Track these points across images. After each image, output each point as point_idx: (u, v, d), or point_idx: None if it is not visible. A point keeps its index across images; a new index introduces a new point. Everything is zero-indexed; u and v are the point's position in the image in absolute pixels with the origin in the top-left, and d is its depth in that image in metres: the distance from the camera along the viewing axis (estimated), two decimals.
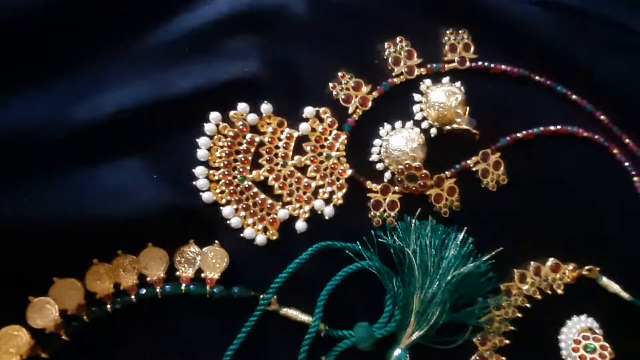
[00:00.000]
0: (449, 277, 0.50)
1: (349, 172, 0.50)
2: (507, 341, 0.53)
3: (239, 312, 0.48)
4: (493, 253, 0.51)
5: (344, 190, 0.50)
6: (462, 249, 0.51)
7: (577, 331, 0.54)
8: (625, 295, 0.55)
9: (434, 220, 0.51)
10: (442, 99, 0.52)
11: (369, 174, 0.52)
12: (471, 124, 0.51)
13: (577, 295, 0.55)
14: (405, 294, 0.50)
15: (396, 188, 0.51)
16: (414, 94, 0.53)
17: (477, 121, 0.53)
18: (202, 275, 0.48)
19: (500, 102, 0.55)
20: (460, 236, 0.51)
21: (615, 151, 0.57)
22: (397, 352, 0.49)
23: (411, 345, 0.49)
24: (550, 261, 0.55)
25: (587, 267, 0.55)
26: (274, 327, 0.49)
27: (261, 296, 0.48)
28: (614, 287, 0.55)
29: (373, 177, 0.52)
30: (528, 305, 0.54)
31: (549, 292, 0.54)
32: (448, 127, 0.51)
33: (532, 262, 0.54)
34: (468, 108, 0.52)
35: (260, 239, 0.49)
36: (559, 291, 0.54)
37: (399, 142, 0.51)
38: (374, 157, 0.52)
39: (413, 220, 0.51)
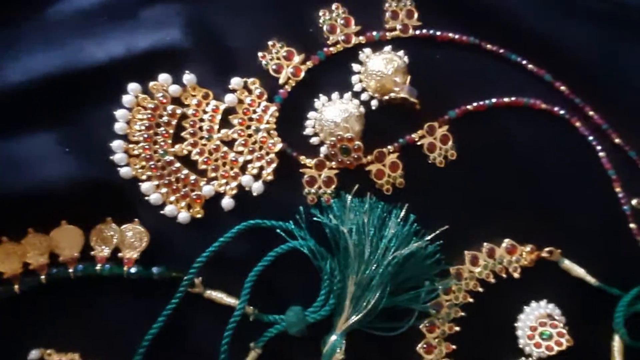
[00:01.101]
0: (389, 259, 0.47)
1: (279, 146, 0.48)
2: (457, 328, 0.50)
3: (161, 295, 0.46)
4: (437, 232, 0.48)
5: (274, 165, 0.48)
6: (404, 228, 0.48)
7: (535, 318, 0.50)
8: (591, 279, 0.52)
9: (373, 198, 0.48)
10: (381, 67, 0.49)
11: (304, 148, 0.49)
12: (411, 93, 0.48)
13: (536, 279, 0.52)
14: (342, 276, 0.47)
15: (333, 164, 0.49)
16: (353, 64, 0.51)
17: (423, 92, 0.50)
18: (120, 254, 0.46)
19: (448, 72, 0.52)
20: (401, 214, 0.48)
21: (578, 124, 0.53)
22: (333, 338, 0.47)
23: (348, 331, 0.46)
24: (506, 242, 0.51)
25: (547, 249, 0.52)
26: (198, 310, 0.47)
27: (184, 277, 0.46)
28: (578, 270, 0.52)
29: (308, 152, 0.49)
30: (481, 289, 0.50)
31: (504, 275, 0.51)
32: (386, 97, 0.48)
33: (485, 244, 0.51)
34: (409, 77, 0.49)
35: (183, 216, 0.47)
36: (516, 275, 0.51)
37: (333, 113, 0.48)
38: (308, 131, 0.49)
39: (349, 197, 0.48)
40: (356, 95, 0.50)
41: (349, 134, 0.47)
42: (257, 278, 0.47)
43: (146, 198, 0.47)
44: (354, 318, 0.47)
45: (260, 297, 0.47)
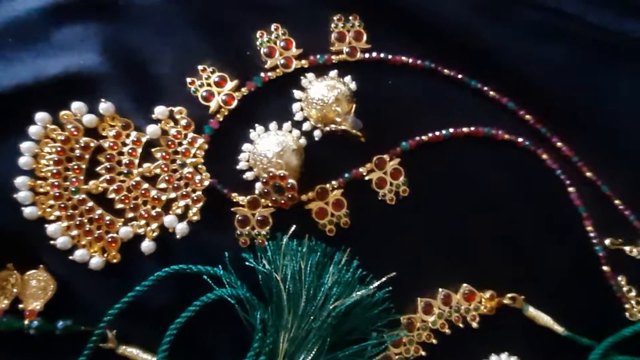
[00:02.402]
0: (329, 309, 0.42)
1: (207, 182, 0.43)
2: None
3: (67, 352, 0.41)
4: (384, 279, 0.43)
5: (201, 204, 0.43)
6: (347, 274, 0.43)
7: None
8: (558, 329, 0.48)
9: (313, 240, 0.44)
10: (322, 95, 0.45)
11: (236, 184, 0.45)
12: (354, 124, 0.44)
13: (496, 329, 0.48)
14: (274, 330, 0.42)
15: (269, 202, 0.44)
16: (294, 91, 0.47)
17: (372, 121, 0.47)
18: (20, 306, 0.41)
19: (401, 100, 0.49)
20: (344, 258, 0.43)
21: (544, 156, 0.49)
22: None
23: None
24: (464, 288, 0.47)
25: (509, 295, 0.48)
26: None
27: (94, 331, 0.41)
28: (544, 319, 0.48)
29: (241, 189, 0.45)
30: (435, 341, 0.46)
31: (462, 325, 0.46)
32: (327, 129, 0.44)
33: (440, 289, 0.47)
34: (354, 106, 0.45)
35: (96, 262, 0.42)
36: (474, 324, 0.47)
37: (267, 146, 0.44)
38: (242, 165, 0.45)
39: (285, 239, 0.43)
40: (297, 125, 0.46)
41: (282, 171, 0.43)
42: (180, 331, 0.42)
43: (53, 242, 0.42)
44: None
45: (184, 353, 0.43)
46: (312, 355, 0.42)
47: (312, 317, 0.43)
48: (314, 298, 0.43)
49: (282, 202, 0.43)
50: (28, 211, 0.42)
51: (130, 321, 0.43)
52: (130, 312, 0.42)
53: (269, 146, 0.44)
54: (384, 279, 0.44)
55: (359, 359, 0.44)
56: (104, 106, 0.43)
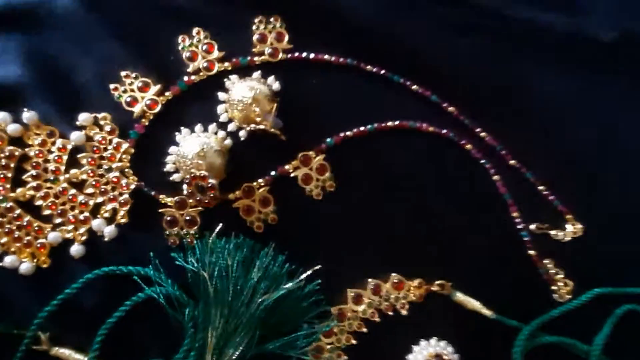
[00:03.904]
0: (257, 303, 0.44)
1: (134, 185, 0.45)
2: None
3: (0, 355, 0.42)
4: (310, 271, 0.45)
5: (128, 207, 0.45)
6: (274, 268, 0.45)
7: (424, 358, 0.47)
8: (487, 312, 0.49)
9: (240, 237, 0.45)
10: (242, 96, 0.47)
11: (164, 186, 0.47)
12: (274, 123, 0.45)
13: (426, 315, 0.50)
14: (203, 326, 0.44)
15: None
16: (219, 93, 0.48)
17: (297, 119, 0.49)
18: None
19: (325, 97, 0.51)
20: (269, 253, 0.45)
21: (469, 147, 0.51)
22: None
23: None
24: (392, 277, 0.49)
25: (437, 282, 0.49)
26: None
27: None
28: (473, 303, 0.50)
29: (168, 191, 0.47)
30: (365, 330, 0.48)
31: (391, 313, 0.48)
32: (248, 128, 0.45)
33: (370, 280, 0.49)
34: (275, 105, 0.46)
35: (26, 267, 0.44)
36: (404, 312, 0.48)
37: (190, 148, 0.46)
38: (169, 167, 0.47)
39: (212, 238, 0.45)
40: (223, 126, 0.48)
41: (202, 171, 0.45)
42: (112, 332, 0.44)
43: None
44: None
45: (117, 352, 0.45)
46: (241, 349, 0.44)
47: (240, 312, 0.44)
48: (241, 293, 0.45)
49: (207, 201, 0.45)
50: None
51: (64, 324, 0.44)
52: (63, 315, 0.44)
53: (191, 147, 0.46)
54: (309, 272, 0.46)
55: (290, 350, 0.46)
56: (28, 115, 0.45)
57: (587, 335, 0.50)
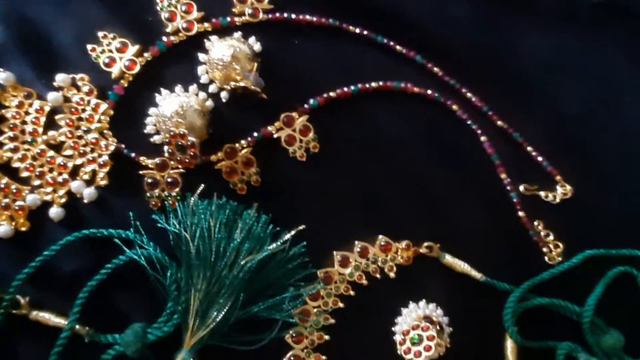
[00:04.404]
0: (240, 264, 0.43)
1: (113, 147, 0.44)
2: (327, 337, 0.47)
3: None
4: (293, 232, 0.45)
5: (107, 169, 0.44)
6: (257, 229, 0.44)
7: (412, 320, 0.46)
8: (476, 275, 0.49)
9: (222, 198, 0.45)
10: (221, 55, 0.46)
11: (144, 148, 0.46)
12: (254, 82, 0.45)
13: (414, 278, 0.49)
14: (187, 288, 0.43)
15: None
16: (200, 54, 0.47)
17: (280, 80, 0.48)
18: None
19: (308, 58, 0.50)
20: (252, 214, 0.44)
21: (455, 107, 0.51)
22: (181, 355, 0.43)
23: (198, 347, 0.43)
24: (380, 239, 0.48)
25: (425, 244, 0.49)
26: (23, 334, 0.43)
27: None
28: (462, 266, 0.49)
29: (149, 152, 0.46)
30: (352, 293, 0.47)
31: (379, 276, 0.48)
32: (229, 87, 0.45)
33: (357, 242, 0.48)
34: (256, 64, 0.46)
35: (4, 230, 0.44)
36: (392, 274, 0.48)
37: (170, 107, 0.45)
38: (149, 129, 0.46)
39: (193, 199, 0.44)
40: (204, 87, 0.48)
41: (182, 129, 0.44)
42: (94, 296, 0.43)
43: None
44: (201, 333, 0.43)
45: (100, 316, 0.44)
46: (224, 311, 0.43)
47: (223, 274, 0.44)
48: (224, 255, 0.44)
49: (187, 161, 0.45)
50: None
51: (44, 288, 0.44)
52: (43, 279, 0.44)
53: (171, 107, 0.45)
54: (293, 232, 0.45)
55: (275, 312, 0.46)
56: (4, 75, 0.44)
57: (579, 297, 0.49)
